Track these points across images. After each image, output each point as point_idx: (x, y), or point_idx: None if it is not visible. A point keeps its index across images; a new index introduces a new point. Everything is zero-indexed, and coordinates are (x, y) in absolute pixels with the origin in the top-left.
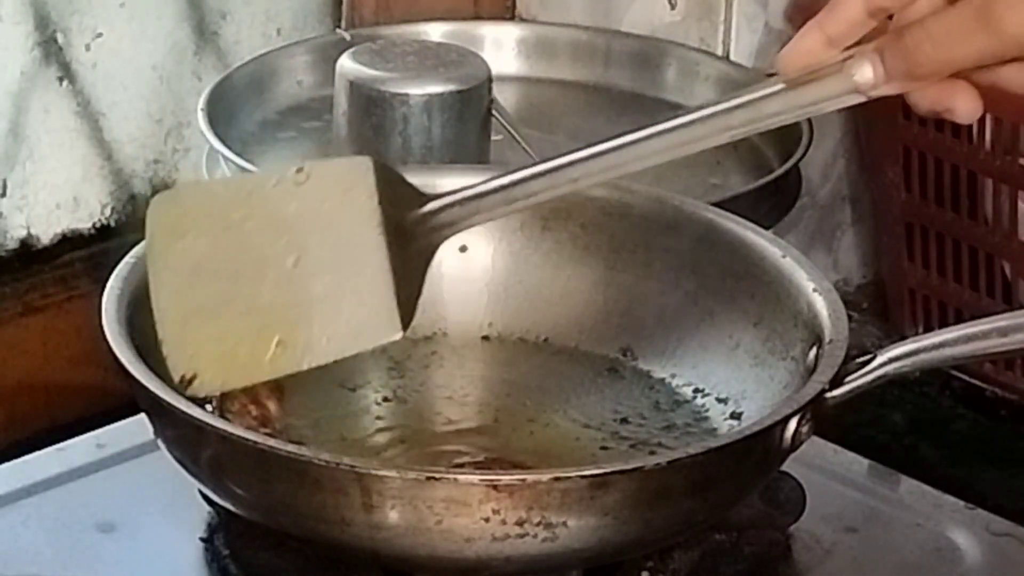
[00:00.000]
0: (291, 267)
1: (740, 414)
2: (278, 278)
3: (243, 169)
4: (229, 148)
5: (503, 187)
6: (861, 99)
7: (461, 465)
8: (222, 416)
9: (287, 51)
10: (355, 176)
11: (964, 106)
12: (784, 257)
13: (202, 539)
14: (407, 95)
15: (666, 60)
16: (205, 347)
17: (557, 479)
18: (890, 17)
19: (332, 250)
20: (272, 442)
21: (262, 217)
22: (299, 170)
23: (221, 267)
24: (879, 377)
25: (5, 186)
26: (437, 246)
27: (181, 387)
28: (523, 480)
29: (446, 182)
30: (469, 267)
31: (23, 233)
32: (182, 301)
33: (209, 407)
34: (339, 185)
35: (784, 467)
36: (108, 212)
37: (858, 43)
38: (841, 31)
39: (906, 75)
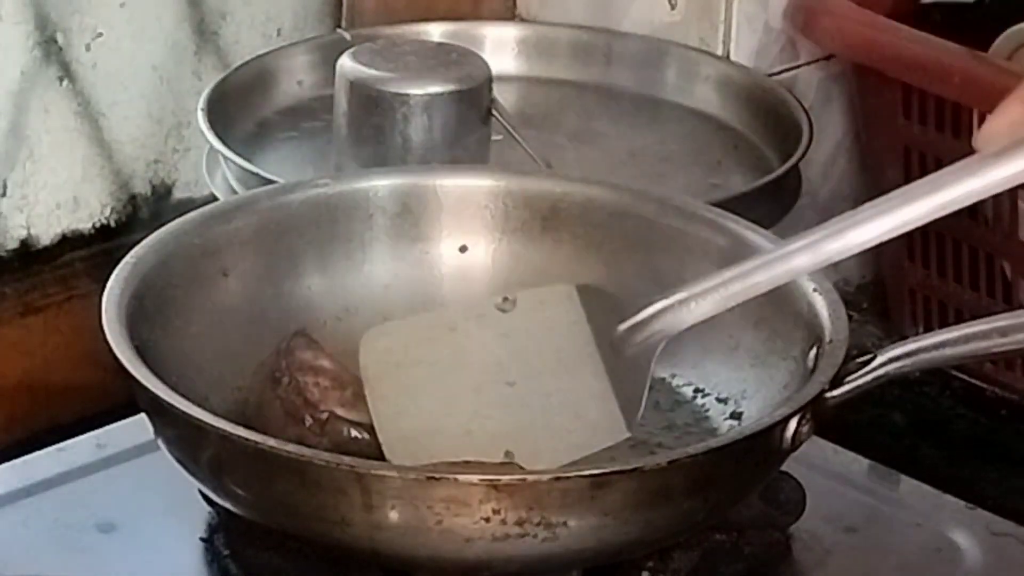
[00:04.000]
0: (508, 389)
1: (740, 414)
2: (498, 398)
3: (243, 169)
4: (229, 148)
5: (706, 291)
6: None
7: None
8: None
9: (287, 51)
10: (560, 300)
11: None
12: None
13: (202, 539)
14: (407, 95)
15: (666, 60)
16: (435, 459)
17: (557, 479)
18: None
19: (547, 368)
20: (272, 442)
21: (474, 344)
22: (504, 299)
23: (439, 392)
24: (879, 377)
25: (5, 186)
26: (654, 349)
27: None
28: (523, 480)
29: (446, 182)
30: (469, 267)
31: (23, 233)
32: (406, 430)
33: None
34: (545, 308)
35: (784, 467)
36: (108, 212)
37: None
38: None
39: None
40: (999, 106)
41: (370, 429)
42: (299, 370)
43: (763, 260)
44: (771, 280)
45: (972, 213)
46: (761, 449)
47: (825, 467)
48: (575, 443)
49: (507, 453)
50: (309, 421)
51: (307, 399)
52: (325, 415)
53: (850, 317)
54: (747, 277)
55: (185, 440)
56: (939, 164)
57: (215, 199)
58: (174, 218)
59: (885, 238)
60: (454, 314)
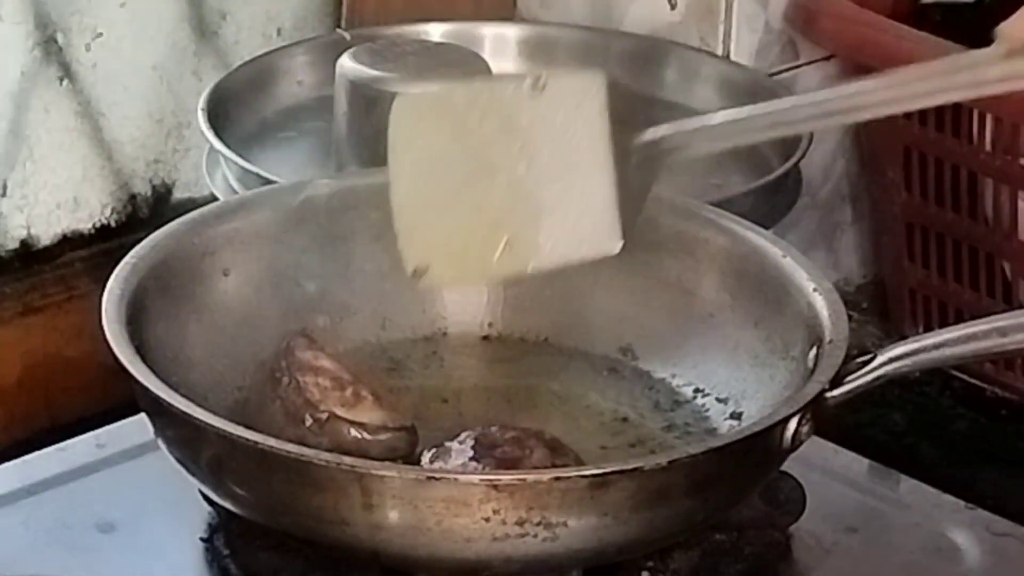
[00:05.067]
0: (522, 173)
1: (740, 414)
2: (509, 182)
3: (243, 169)
4: (229, 148)
5: (726, 123)
6: None
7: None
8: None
9: (287, 51)
10: (588, 92)
11: None
12: (784, 257)
13: (202, 539)
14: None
15: (666, 60)
16: (438, 242)
17: (557, 479)
18: None
19: (561, 160)
20: (272, 442)
21: (497, 123)
22: (536, 79)
23: (456, 168)
24: (879, 377)
25: (5, 186)
26: (659, 169)
27: (414, 279)
28: (523, 480)
29: None
30: None
31: (23, 233)
32: (418, 197)
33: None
34: (572, 98)
35: (784, 467)
36: (108, 212)
37: None
38: None
39: None
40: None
41: (370, 429)
42: (299, 370)
43: (775, 107)
44: (773, 126)
45: (972, 213)
46: (761, 449)
47: (825, 467)
48: (571, 244)
49: (507, 241)
50: (309, 421)
51: (307, 399)
52: (325, 415)
53: (850, 317)
54: (760, 118)
55: (185, 440)
56: (939, 164)
57: (215, 199)
58: (174, 218)
59: (899, 109)
60: (486, 87)
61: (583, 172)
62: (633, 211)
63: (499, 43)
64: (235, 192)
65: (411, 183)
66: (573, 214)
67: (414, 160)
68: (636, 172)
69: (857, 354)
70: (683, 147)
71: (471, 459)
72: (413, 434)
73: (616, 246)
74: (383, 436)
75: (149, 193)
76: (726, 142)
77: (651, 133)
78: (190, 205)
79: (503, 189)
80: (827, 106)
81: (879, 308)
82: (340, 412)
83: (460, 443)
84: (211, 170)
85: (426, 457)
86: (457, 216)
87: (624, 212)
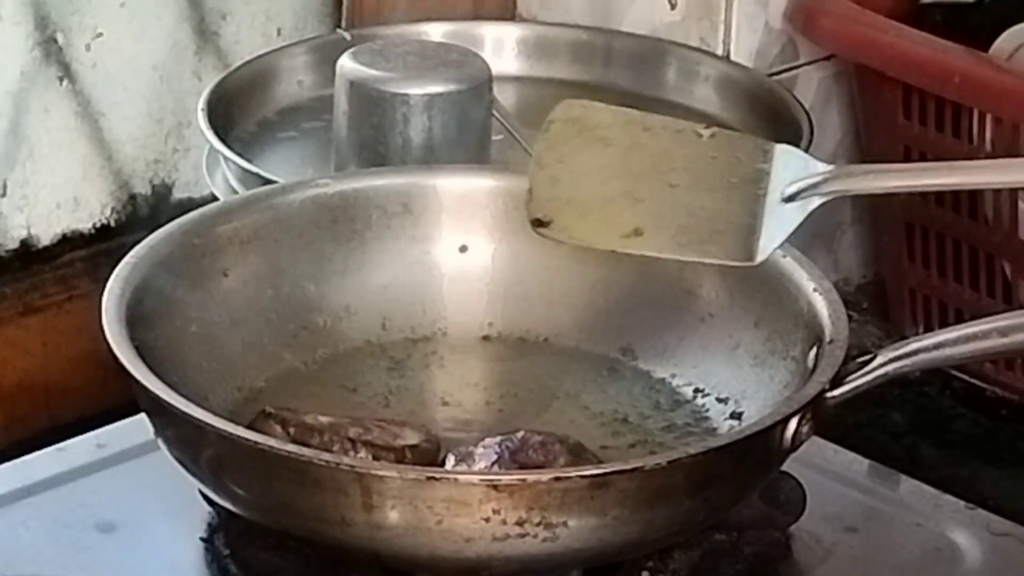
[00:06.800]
0: (668, 187)
1: (740, 414)
2: (657, 188)
3: (243, 169)
4: (229, 148)
5: (875, 172)
6: None
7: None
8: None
9: (287, 51)
10: (756, 150)
11: None
12: (784, 257)
13: (202, 539)
14: (407, 95)
15: (666, 60)
16: (570, 203)
17: (557, 479)
18: None
19: (712, 189)
20: (272, 442)
21: (658, 146)
22: (707, 126)
23: (608, 161)
24: (879, 377)
25: (5, 186)
26: (810, 209)
27: (533, 225)
28: (523, 480)
29: (446, 182)
30: (469, 267)
31: (23, 233)
32: (563, 163)
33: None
34: (738, 151)
35: (784, 467)
36: (108, 212)
37: None
38: None
39: None
40: None
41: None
42: (298, 438)
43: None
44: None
45: (972, 213)
46: (761, 449)
47: (825, 467)
48: (702, 243)
49: (636, 229)
50: (316, 441)
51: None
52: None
53: (850, 317)
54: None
55: (185, 440)
56: None
57: (215, 199)
58: (174, 218)
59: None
60: (655, 119)
61: (733, 200)
62: (777, 236)
63: (499, 43)
64: (235, 192)
65: (558, 152)
66: (712, 223)
67: (569, 143)
68: (789, 207)
69: (857, 354)
70: (840, 187)
71: (494, 464)
72: (435, 440)
73: (748, 260)
74: (410, 453)
75: (149, 193)
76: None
77: (807, 179)
78: (190, 205)
79: (649, 190)
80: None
81: (879, 308)
82: (351, 434)
83: (484, 448)
84: (211, 170)
85: (450, 462)
86: (597, 191)
87: (766, 235)
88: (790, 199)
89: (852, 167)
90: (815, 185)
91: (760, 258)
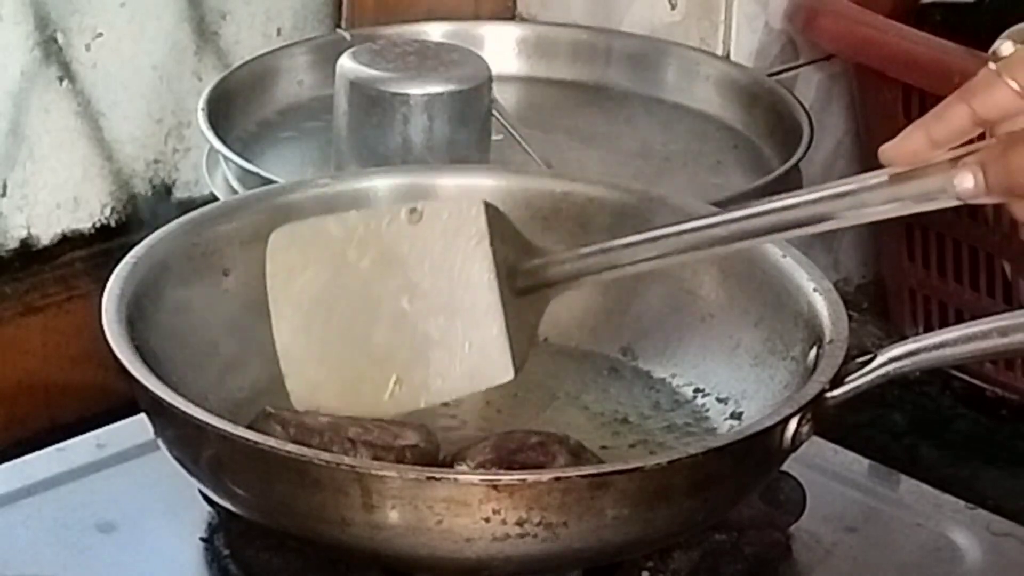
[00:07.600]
0: (405, 306)
1: (740, 414)
2: (393, 317)
3: (243, 169)
4: (229, 148)
5: (611, 249)
6: (959, 203)
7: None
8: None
9: (287, 51)
10: (466, 218)
11: None
12: (784, 257)
13: (202, 539)
14: (407, 95)
15: (666, 60)
16: (327, 383)
17: (557, 479)
18: None
19: (445, 291)
20: (272, 442)
21: (376, 256)
22: (412, 210)
23: (339, 304)
24: (879, 377)
25: (5, 186)
26: (549, 300)
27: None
28: (523, 480)
29: (446, 182)
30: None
31: (23, 233)
32: (302, 337)
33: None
34: (451, 226)
35: (784, 467)
36: (108, 212)
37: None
38: (946, 136)
39: (1007, 191)
40: (906, 129)
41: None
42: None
43: (661, 232)
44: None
45: (972, 213)
46: (761, 449)
47: (825, 467)
48: (463, 377)
49: (397, 379)
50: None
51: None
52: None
53: (850, 317)
54: (651, 243)
55: (185, 440)
56: None
57: (215, 199)
58: (174, 218)
59: (784, 237)
60: (362, 218)
61: (468, 303)
62: (525, 337)
63: (499, 43)
64: (235, 192)
65: (294, 323)
66: (462, 347)
67: (294, 298)
68: (528, 300)
69: (857, 354)
70: (574, 275)
71: (494, 464)
72: (434, 441)
73: (507, 377)
74: (410, 454)
75: (149, 193)
76: (621, 270)
77: (542, 259)
78: (190, 205)
79: (388, 325)
80: (707, 235)
81: (879, 308)
82: (351, 434)
83: (484, 448)
84: (211, 170)
85: (451, 462)
86: (344, 356)
87: (515, 340)
88: (523, 293)
89: (579, 251)
90: (542, 277)
91: (513, 373)
